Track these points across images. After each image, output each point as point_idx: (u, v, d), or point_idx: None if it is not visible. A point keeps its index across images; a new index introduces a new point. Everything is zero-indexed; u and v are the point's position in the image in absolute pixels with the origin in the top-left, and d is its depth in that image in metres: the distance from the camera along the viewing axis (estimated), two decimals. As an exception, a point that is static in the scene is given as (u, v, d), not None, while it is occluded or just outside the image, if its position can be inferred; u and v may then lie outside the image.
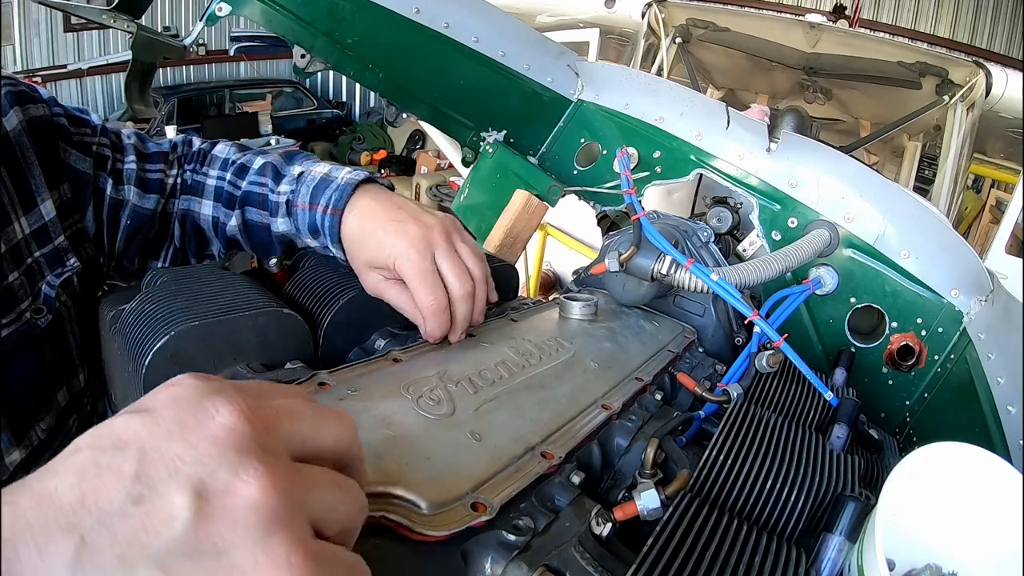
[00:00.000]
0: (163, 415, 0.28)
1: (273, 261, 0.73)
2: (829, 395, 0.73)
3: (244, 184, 0.78)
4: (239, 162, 0.80)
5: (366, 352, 0.65)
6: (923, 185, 2.83)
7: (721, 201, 1.16)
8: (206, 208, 0.79)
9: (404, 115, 1.28)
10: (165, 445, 0.26)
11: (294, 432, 0.31)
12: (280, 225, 0.75)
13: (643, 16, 2.87)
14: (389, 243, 0.63)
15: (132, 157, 0.74)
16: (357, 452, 0.35)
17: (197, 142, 0.83)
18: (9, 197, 0.62)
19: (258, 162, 0.79)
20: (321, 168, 0.74)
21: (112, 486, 0.25)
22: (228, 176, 0.79)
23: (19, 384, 0.62)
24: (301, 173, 0.74)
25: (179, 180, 0.79)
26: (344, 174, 0.72)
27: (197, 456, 0.26)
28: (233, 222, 0.78)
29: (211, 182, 0.79)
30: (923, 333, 0.97)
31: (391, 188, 0.75)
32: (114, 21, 1.01)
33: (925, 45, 4.10)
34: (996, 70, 2.42)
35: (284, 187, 0.75)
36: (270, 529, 0.26)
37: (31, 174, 0.64)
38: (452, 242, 0.66)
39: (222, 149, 0.82)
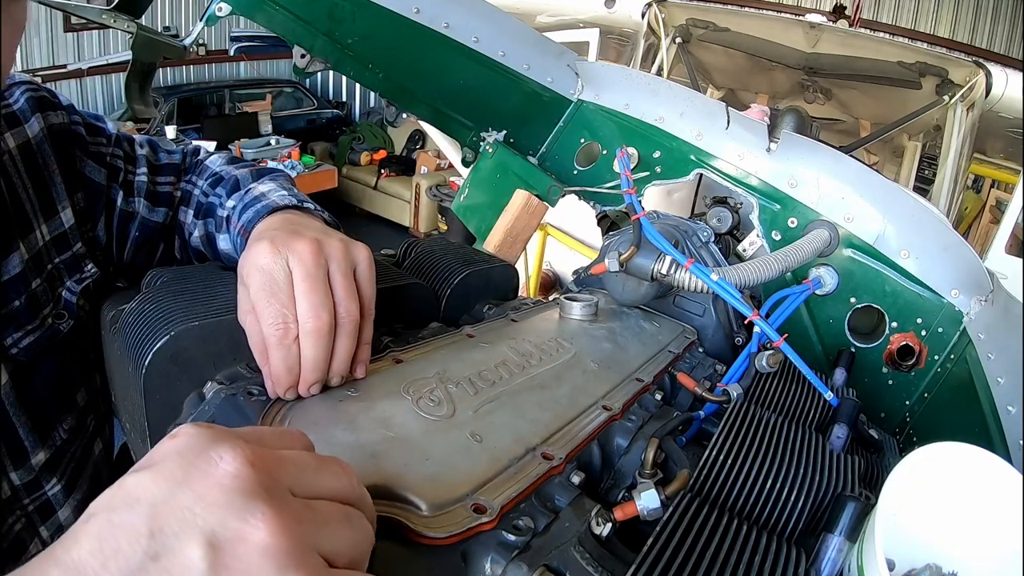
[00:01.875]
0: (168, 467, 0.28)
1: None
2: (829, 395, 0.73)
3: (211, 195, 0.76)
4: (218, 173, 0.77)
5: (366, 352, 0.65)
6: (923, 185, 2.83)
7: (721, 201, 1.16)
8: (189, 217, 0.77)
9: (404, 115, 1.28)
10: (174, 498, 0.27)
11: (298, 478, 0.32)
12: (222, 242, 0.71)
13: (643, 16, 2.87)
14: (259, 247, 0.51)
15: (144, 169, 0.74)
16: (360, 496, 0.35)
17: (203, 152, 0.82)
18: (31, 204, 0.62)
19: (231, 175, 0.74)
20: (266, 187, 0.67)
21: (129, 546, 0.25)
22: (204, 187, 0.77)
23: (44, 387, 0.63)
24: (248, 191, 0.67)
25: (180, 192, 0.79)
26: (276, 196, 0.64)
27: (206, 506, 0.27)
28: (197, 233, 0.75)
29: (196, 192, 0.78)
30: (923, 333, 0.97)
31: (332, 223, 0.65)
32: (114, 21, 1.01)
33: (925, 45, 4.10)
34: (996, 70, 2.42)
35: (231, 202, 0.68)
36: (284, 570, 0.26)
37: (52, 182, 0.64)
38: (351, 262, 0.53)
39: (213, 160, 0.80)
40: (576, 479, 0.49)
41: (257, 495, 0.28)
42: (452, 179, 5.53)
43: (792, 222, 1.05)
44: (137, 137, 0.77)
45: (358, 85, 4.66)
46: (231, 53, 7.16)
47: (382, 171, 6.71)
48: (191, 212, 0.77)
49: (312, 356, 0.48)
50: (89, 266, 0.68)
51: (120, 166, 0.72)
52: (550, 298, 0.97)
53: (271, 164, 4.75)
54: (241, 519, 0.27)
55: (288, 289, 0.49)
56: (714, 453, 0.53)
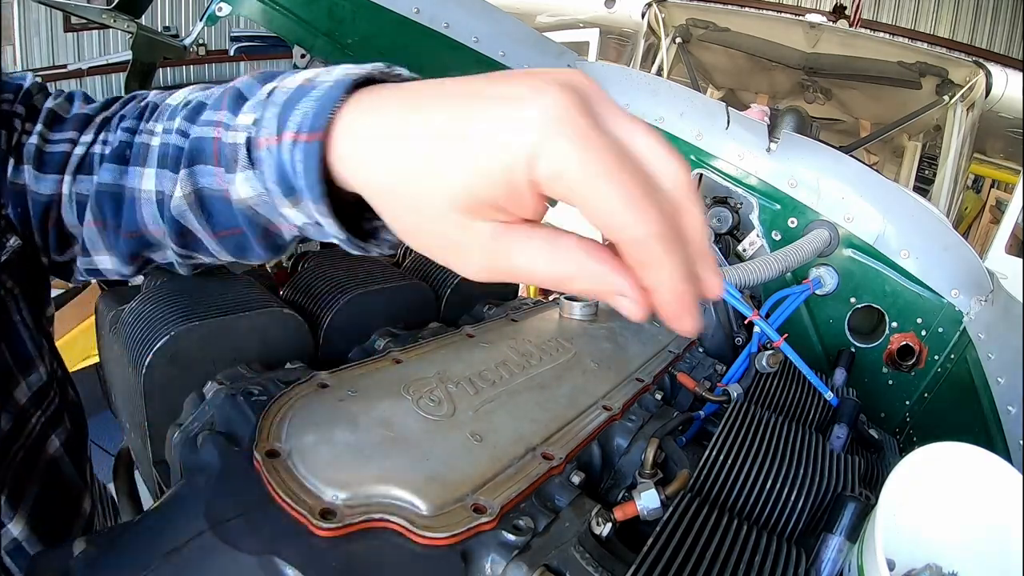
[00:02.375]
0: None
1: (273, 261, 0.73)
2: (829, 395, 0.73)
3: (192, 131, 0.48)
4: (196, 101, 0.50)
5: (366, 352, 0.65)
6: (923, 185, 2.83)
7: (721, 201, 1.16)
8: (148, 181, 0.50)
9: (404, 115, 1.28)
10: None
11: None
12: (241, 187, 0.43)
13: (643, 16, 2.88)
14: (499, 117, 0.30)
15: (40, 126, 0.52)
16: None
17: (153, 95, 0.56)
18: None
19: (221, 91, 0.50)
20: (309, 73, 0.41)
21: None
22: (176, 124, 0.49)
23: None
24: (273, 90, 0.42)
25: (98, 149, 0.53)
26: (338, 73, 0.39)
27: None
28: (179, 193, 0.47)
29: (156, 139, 0.51)
30: (923, 333, 0.97)
31: None
32: (114, 21, 1.01)
33: (925, 45, 4.10)
34: (996, 70, 2.43)
35: (245, 117, 0.43)
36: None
37: None
38: (610, 103, 0.32)
39: (179, 93, 0.53)
40: (576, 479, 0.49)
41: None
42: (452, 179, 5.52)
43: (792, 222, 1.05)
44: (73, 92, 0.56)
45: (358, 85, 4.64)
46: (231, 53, 7.16)
47: (382, 171, 6.71)
48: (151, 171, 0.50)
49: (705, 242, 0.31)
50: (11, 239, 0.51)
51: (16, 126, 0.51)
52: (550, 298, 0.97)
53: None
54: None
55: (626, 157, 0.30)
56: (714, 453, 0.53)
